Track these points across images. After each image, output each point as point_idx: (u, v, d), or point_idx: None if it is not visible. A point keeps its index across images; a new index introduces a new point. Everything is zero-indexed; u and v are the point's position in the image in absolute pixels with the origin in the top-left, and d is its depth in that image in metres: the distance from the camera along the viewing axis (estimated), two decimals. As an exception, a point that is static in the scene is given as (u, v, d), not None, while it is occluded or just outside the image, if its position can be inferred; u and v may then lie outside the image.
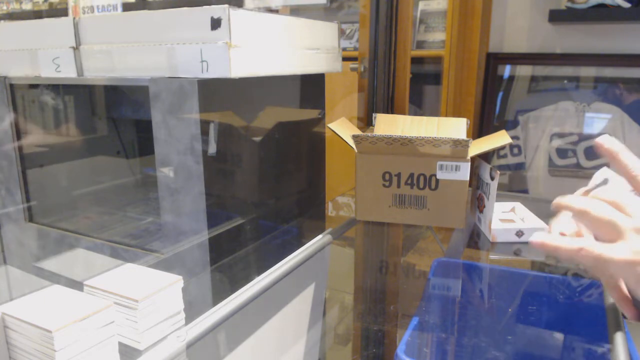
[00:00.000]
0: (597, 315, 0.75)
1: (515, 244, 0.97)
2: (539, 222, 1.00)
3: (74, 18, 0.95)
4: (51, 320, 0.57)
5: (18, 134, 1.14)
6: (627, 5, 1.47)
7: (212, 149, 0.86)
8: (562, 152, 1.68)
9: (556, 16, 1.58)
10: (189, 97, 0.82)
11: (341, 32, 1.51)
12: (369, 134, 0.90)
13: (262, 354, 0.82)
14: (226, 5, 0.79)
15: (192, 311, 0.74)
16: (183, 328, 0.71)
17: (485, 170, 0.94)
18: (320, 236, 0.97)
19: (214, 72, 0.81)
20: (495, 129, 1.35)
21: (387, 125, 1.04)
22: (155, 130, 0.88)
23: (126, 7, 1.00)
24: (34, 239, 1.15)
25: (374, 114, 1.10)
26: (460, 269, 0.94)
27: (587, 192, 0.54)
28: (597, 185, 0.55)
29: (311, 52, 1.04)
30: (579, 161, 1.66)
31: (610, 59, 1.61)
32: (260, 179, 1.01)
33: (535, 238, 0.51)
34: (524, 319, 0.81)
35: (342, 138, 0.96)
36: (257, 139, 0.99)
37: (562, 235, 0.57)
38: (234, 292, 0.77)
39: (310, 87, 1.12)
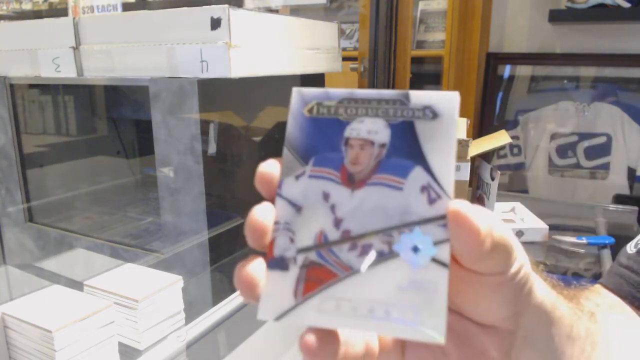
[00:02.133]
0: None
1: (515, 244, 0.97)
2: (539, 222, 1.00)
3: (73, 18, 0.95)
4: (51, 320, 0.57)
5: (18, 134, 1.14)
6: (627, 5, 1.47)
7: (212, 149, 0.86)
8: (562, 152, 1.68)
9: (556, 16, 1.58)
10: (189, 97, 0.82)
11: (341, 32, 1.51)
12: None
13: (263, 354, 0.82)
14: (226, 5, 0.79)
15: (192, 311, 0.74)
16: (183, 328, 0.71)
17: (486, 170, 0.94)
18: (320, 236, 0.97)
19: (214, 72, 0.81)
20: (495, 129, 1.36)
21: (387, 125, 1.04)
22: (155, 130, 0.88)
23: (126, 7, 1.00)
24: (34, 239, 1.15)
25: (374, 114, 1.10)
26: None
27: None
28: None
29: (311, 52, 1.04)
30: (578, 161, 1.66)
31: (610, 59, 1.61)
32: (260, 179, 1.01)
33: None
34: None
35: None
36: (257, 139, 0.99)
37: None
38: (234, 292, 0.77)
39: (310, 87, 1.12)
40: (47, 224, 1.15)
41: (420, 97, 0.23)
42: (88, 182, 1.31)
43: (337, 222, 0.23)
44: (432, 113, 0.23)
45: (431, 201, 0.22)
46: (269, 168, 0.24)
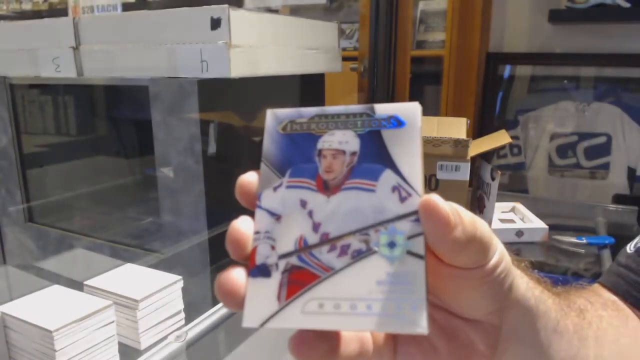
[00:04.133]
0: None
1: (515, 244, 0.97)
2: (538, 222, 1.00)
3: (73, 18, 0.95)
4: (51, 320, 0.57)
5: (18, 134, 1.14)
6: (627, 5, 1.46)
7: (212, 148, 0.86)
8: (562, 152, 1.68)
9: (556, 16, 1.58)
10: (188, 97, 0.82)
11: (341, 32, 1.51)
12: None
13: (263, 354, 0.82)
14: (226, 5, 0.79)
15: (192, 311, 0.74)
16: (183, 328, 0.71)
17: (486, 170, 0.94)
18: (320, 236, 0.97)
19: (214, 72, 0.81)
20: (496, 129, 1.36)
21: (387, 125, 1.04)
22: (155, 130, 0.88)
23: (126, 7, 1.00)
24: (33, 239, 1.15)
25: (373, 114, 1.10)
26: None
27: None
28: None
29: (311, 52, 1.04)
30: (578, 161, 1.66)
31: (610, 59, 1.61)
32: (260, 179, 1.01)
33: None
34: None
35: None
36: (257, 138, 0.99)
37: None
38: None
39: (310, 87, 1.12)
40: (47, 224, 1.15)
41: (384, 108, 0.25)
42: (88, 182, 1.31)
43: (316, 227, 0.24)
44: (396, 121, 0.24)
45: (402, 199, 0.23)
46: (247, 179, 0.26)
